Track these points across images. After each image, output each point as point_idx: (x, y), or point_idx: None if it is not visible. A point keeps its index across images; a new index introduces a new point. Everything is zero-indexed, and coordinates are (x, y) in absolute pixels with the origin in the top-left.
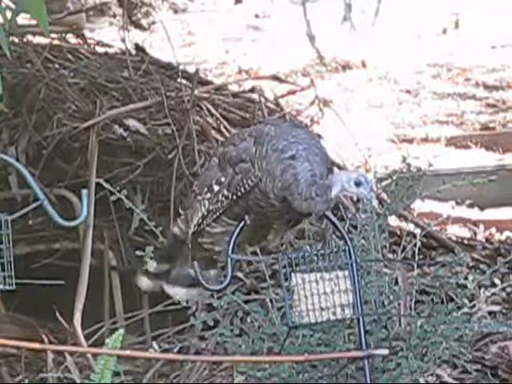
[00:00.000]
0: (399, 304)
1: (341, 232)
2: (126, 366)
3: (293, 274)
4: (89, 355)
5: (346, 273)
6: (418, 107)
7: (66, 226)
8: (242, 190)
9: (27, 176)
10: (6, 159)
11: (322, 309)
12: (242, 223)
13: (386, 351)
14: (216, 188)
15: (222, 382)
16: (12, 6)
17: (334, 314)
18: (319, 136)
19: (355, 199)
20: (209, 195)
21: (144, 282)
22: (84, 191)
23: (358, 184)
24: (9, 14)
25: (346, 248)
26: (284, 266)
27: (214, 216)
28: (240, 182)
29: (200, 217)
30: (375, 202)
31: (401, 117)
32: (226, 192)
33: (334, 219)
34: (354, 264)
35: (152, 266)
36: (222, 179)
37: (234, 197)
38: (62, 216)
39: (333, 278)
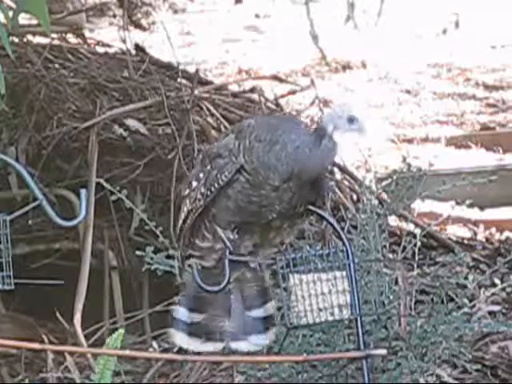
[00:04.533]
0: (399, 304)
1: (338, 232)
2: (126, 366)
3: (290, 275)
4: (89, 355)
5: (344, 273)
6: (418, 107)
7: (64, 225)
8: (216, 185)
9: (26, 176)
10: (5, 159)
11: (320, 309)
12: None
13: (384, 351)
14: (194, 184)
15: (222, 382)
16: (13, 5)
17: (332, 314)
18: None
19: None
20: (187, 191)
21: (183, 340)
22: (83, 191)
23: (351, 120)
24: (9, 14)
25: (344, 248)
26: (282, 267)
27: (194, 217)
28: (214, 177)
29: (183, 218)
30: (368, 134)
31: (401, 117)
32: (202, 189)
33: (332, 220)
34: (352, 264)
35: (183, 313)
36: (201, 175)
37: (209, 192)
38: (61, 216)
39: (331, 278)
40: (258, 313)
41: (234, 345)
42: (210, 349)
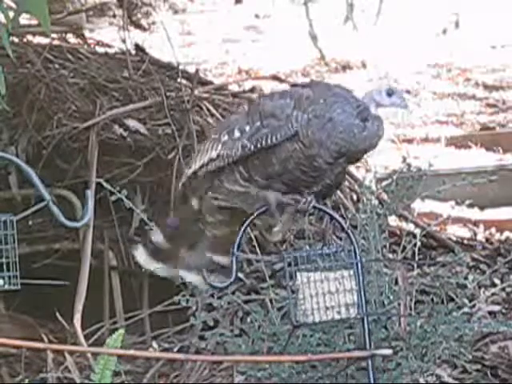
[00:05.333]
0: (399, 304)
1: (346, 232)
2: (126, 366)
3: (298, 273)
4: (89, 355)
5: (351, 272)
6: (418, 107)
7: (70, 226)
8: (263, 143)
9: (33, 177)
10: (11, 159)
11: (327, 308)
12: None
13: (389, 351)
14: (237, 134)
15: (221, 382)
16: (13, 5)
17: (339, 313)
18: None
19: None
20: (226, 138)
21: (142, 256)
22: (88, 192)
23: (389, 94)
24: (9, 14)
25: (352, 247)
26: (289, 265)
27: (221, 163)
28: (264, 136)
29: (207, 159)
30: (409, 110)
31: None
32: (245, 141)
33: (340, 219)
34: (360, 263)
35: (157, 236)
36: (247, 128)
37: (252, 147)
38: (67, 217)
39: (338, 277)
40: (218, 259)
41: (183, 273)
42: (164, 273)
